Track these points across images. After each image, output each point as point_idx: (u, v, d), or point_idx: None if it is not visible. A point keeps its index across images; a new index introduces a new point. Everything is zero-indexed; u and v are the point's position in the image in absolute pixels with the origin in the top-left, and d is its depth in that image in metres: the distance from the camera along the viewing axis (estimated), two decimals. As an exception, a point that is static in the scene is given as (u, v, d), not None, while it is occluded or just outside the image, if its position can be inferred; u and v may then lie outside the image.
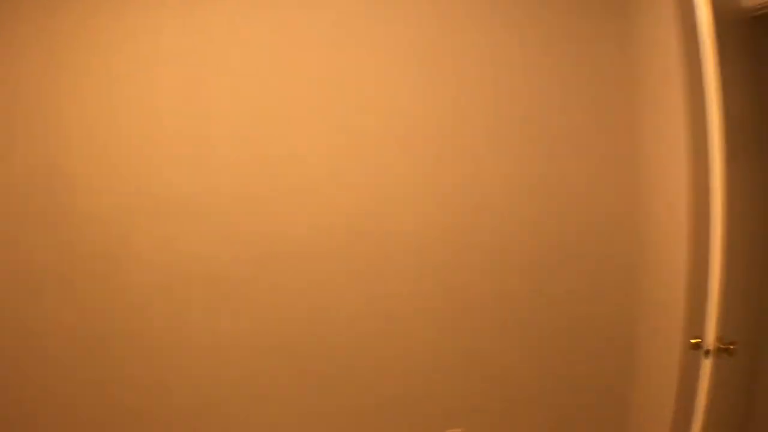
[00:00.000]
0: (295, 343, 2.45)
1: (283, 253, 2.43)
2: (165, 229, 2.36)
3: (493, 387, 2.65)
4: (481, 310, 2.62)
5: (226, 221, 2.38)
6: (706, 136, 2.55)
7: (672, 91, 2.54)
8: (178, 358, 2.40)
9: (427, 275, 2.54)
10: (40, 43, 2.30)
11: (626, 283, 2.82)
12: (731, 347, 1.91)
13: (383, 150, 2.49)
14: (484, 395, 2.65)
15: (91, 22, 2.32)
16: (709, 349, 1.93)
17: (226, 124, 2.39)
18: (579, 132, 2.68)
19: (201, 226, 2.37)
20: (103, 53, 2.33)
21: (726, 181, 1.97)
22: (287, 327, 2.44)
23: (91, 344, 2.36)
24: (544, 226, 2.67)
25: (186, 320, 2.39)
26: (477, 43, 2.55)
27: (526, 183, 2.63)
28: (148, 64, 2.35)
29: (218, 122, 2.38)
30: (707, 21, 1.87)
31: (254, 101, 2.40)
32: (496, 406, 2.66)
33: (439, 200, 2.55)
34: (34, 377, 2.35)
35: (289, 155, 2.43)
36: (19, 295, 2.31)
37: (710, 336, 1.94)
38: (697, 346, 2.03)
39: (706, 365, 1.94)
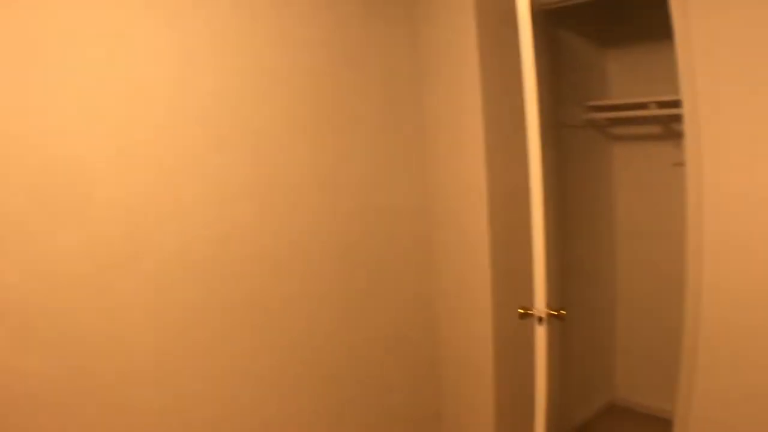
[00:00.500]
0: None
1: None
2: None
3: (320, 396, 2.56)
4: (269, 314, 2.43)
5: None
6: (502, 121, 2.80)
7: (467, 76, 2.67)
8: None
9: (203, 282, 2.23)
10: None
11: (426, 266, 2.94)
12: (562, 313, 2.07)
13: (158, 141, 2.11)
14: (308, 403, 2.55)
15: None
16: (541, 317, 2.08)
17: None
18: (373, 116, 2.68)
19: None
20: None
21: (543, 167, 2.13)
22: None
23: None
24: (342, 219, 2.59)
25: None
26: (268, 23, 2.32)
27: (320, 168, 2.51)
28: None
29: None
30: (525, 9, 1.98)
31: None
32: (324, 412, 2.58)
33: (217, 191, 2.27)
34: None
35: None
36: None
37: (540, 305, 2.08)
38: (524, 315, 2.17)
39: (540, 331, 2.09)
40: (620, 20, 3.34)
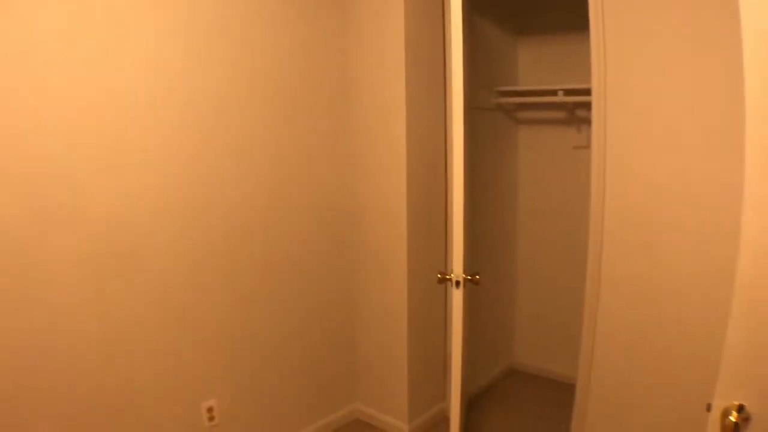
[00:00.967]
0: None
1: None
2: None
3: (240, 356, 2.64)
4: (222, 281, 2.53)
5: None
6: (421, 102, 2.95)
7: (393, 65, 2.81)
8: None
9: (168, 252, 2.32)
10: None
11: (349, 237, 3.08)
12: (476, 277, 2.25)
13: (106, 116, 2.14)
14: (233, 365, 2.61)
15: None
16: (459, 281, 2.24)
17: None
18: (307, 92, 2.78)
19: None
20: None
21: (466, 138, 2.29)
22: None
23: None
24: (278, 187, 2.70)
25: None
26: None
27: (259, 140, 2.61)
28: None
29: None
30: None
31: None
32: (246, 374, 2.66)
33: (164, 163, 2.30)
34: None
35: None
36: None
37: (458, 270, 2.25)
38: (442, 280, 2.33)
39: (458, 294, 2.25)
40: (534, 12, 3.56)
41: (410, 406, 3.03)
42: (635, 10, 2.36)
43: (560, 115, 3.54)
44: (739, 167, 0.99)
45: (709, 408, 1.14)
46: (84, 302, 2.08)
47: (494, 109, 3.50)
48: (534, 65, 3.63)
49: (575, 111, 3.43)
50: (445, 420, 3.23)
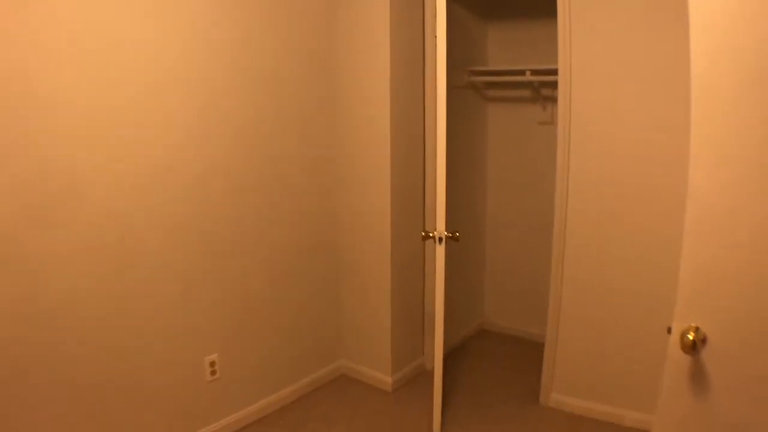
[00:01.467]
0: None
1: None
2: None
3: (240, 312, 2.86)
4: (223, 241, 2.77)
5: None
6: (404, 77, 3.18)
7: (378, 39, 3.04)
8: None
9: (170, 213, 2.52)
10: None
11: (338, 197, 3.32)
12: (457, 234, 2.52)
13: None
14: (234, 321, 2.84)
15: None
16: (441, 237, 2.51)
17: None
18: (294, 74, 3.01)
19: None
20: None
21: (446, 111, 2.53)
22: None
23: None
24: (276, 162, 2.95)
25: None
26: None
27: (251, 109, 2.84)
28: None
29: None
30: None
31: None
32: (245, 333, 2.89)
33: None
34: None
35: None
36: None
37: (441, 228, 2.51)
38: (426, 237, 2.60)
39: (440, 249, 2.52)
40: (502, -3, 3.83)
41: (393, 360, 3.30)
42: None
43: (526, 93, 3.83)
44: (687, 134, 1.26)
45: (669, 331, 1.29)
46: (96, 283, 2.28)
47: (466, 87, 3.76)
48: (503, 47, 3.90)
49: (541, 90, 3.72)
50: (423, 373, 3.52)
